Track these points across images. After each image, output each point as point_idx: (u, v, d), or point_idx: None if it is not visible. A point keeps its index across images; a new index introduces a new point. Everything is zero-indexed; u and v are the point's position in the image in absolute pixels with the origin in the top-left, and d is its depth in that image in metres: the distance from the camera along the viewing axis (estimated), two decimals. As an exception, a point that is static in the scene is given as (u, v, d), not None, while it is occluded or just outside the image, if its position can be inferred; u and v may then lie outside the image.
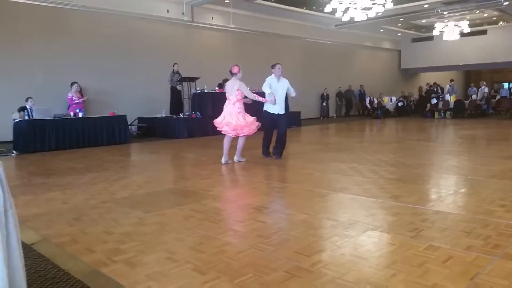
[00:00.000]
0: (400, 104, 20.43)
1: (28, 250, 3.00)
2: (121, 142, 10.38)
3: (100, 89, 12.22)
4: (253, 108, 7.38)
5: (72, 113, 10.12)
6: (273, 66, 7.20)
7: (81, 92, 11.14)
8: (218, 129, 6.99)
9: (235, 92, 6.73)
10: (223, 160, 6.94)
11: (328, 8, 12.10)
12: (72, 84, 10.77)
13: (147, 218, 3.83)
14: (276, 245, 3.07)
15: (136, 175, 6.41)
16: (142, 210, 4.09)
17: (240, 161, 7.05)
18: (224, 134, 6.93)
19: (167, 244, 3.14)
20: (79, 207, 4.31)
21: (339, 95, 20.59)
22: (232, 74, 6.85)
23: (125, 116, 10.79)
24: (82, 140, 9.77)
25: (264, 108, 7.21)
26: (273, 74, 7.15)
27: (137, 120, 12.67)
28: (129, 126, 11.46)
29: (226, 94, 6.94)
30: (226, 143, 6.91)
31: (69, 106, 10.70)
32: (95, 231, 3.50)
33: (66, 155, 8.63)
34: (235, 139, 6.96)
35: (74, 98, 10.67)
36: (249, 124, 6.80)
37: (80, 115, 10.07)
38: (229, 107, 6.83)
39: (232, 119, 6.71)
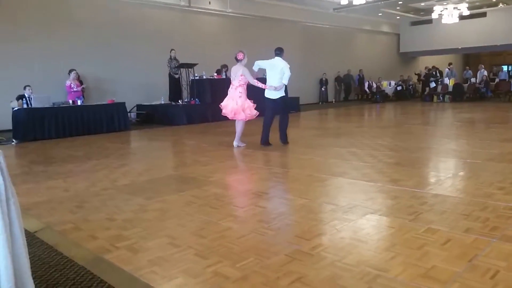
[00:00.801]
0: (399, 88, 20.37)
1: (31, 238, 3.03)
2: (120, 130, 10.37)
3: (98, 76, 12.17)
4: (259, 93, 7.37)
5: (71, 101, 10.08)
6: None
7: (79, 79, 11.09)
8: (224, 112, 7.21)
9: (238, 77, 6.95)
10: (234, 143, 7.20)
11: (326, -8, 11.98)
12: (70, 71, 10.72)
13: (148, 204, 3.86)
14: (277, 229, 3.11)
15: (137, 162, 6.44)
16: (144, 197, 4.12)
17: (239, 146, 7.14)
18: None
19: (168, 229, 3.17)
20: (81, 195, 4.34)
21: (338, 79, 20.51)
22: (237, 60, 7.01)
23: (124, 103, 10.76)
24: (82, 128, 9.76)
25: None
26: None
27: (136, 107, 12.64)
28: (128, 113, 11.44)
29: (231, 79, 7.16)
30: (237, 127, 7.16)
31: (68, 93, 10.66)
32: (97, 218, 3.53)
33: (66, 143, 8.64)
34: (248, 122, 7.18)
35: (72, 86, 10.63)
36: (245, 108, 6.96)
37: (79, 102, 10.05)
38: (231, 91, 7.08)
39: (236, 104, 6.94)
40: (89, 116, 9.90)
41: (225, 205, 3.83)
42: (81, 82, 11.08)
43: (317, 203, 3.80)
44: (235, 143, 7.17)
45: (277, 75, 6.91)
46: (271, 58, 7.13)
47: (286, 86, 7.19)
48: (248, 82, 7.00)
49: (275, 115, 7.14)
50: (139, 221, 3.41)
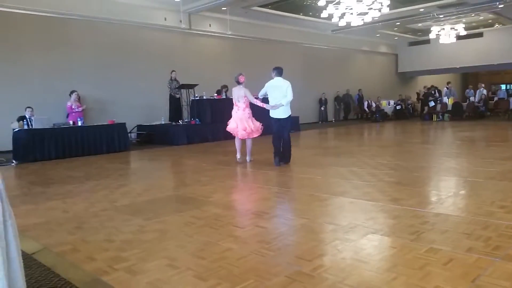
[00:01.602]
0: (398, 107, 20.47)
1: (28, 259, 3.00)
2: (120, 150, 10.38)
3: (99, 97, 12.25)
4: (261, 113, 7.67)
5: (71, 122, 10.13)
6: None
7: (80, 100, 11.16)
8: (233, 134, 7.55)
9: (242, 99, 7.29)
10: (238, 156, 7.63)
11: (324, 14, 12.15)
12: (71, 92, 10.80)
13: (147, 225, 3.83)
14: (277, 250, 3.07)
15: (136, 182, 6.42)
16: (143, 218, 4.09)
17: (251, 160, 7.60)
18: (233, 137, 7.66)
19: (167, 251, 3.13)
20: (80, 216, 4.31)
21: (337, 99, 20.66)
22: (238, 83, 7.34)
23: (124, 123, 10.80)
24: (82, 149, 9.77)
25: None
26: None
27: (136, 128, 12.69)
28: (129, 134, 11.47)
29: (234, 101, 7.45)
30: (237, 144, 7.61)
31: (68, 114, 10.71)
32: (96, 239, 3.50)
33: (65, 163, 8.63)
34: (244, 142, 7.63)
35: (73, 107, 10.69)
36: (257, 128, 7.47)
37: (80, 123, 10.08)
38: (239, 113, 7.39)
39: (248, 124, 7.32)
40: (89, 137, 9.93)
41: (225, 225, 3.80)
42: (81, 103, 11.14)
43: (318, 223, 3.77)
44: (248, 158, 7.55)
45: (280, 95, 6.92)
46: (270, 79, 7.16)
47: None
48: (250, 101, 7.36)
49: (286, 133, 7.10)
50: (138, 242, 3.37)
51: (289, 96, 6.88)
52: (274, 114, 7.05)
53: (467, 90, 20.11)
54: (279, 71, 7.05)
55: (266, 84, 7.18)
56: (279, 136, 7.07)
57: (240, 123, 7.31)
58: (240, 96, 7.27)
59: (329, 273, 2.60)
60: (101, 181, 6.40)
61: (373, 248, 3.09)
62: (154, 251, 3.15)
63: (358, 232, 3.40)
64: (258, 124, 7.45)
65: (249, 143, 7.50)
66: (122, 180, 6.60)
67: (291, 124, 7.41)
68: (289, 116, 7.09)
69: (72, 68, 11.77)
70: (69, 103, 10.72)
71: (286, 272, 2.64)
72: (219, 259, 2.90)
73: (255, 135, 7.47)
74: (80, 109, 10.85)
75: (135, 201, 4.91)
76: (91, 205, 4.77)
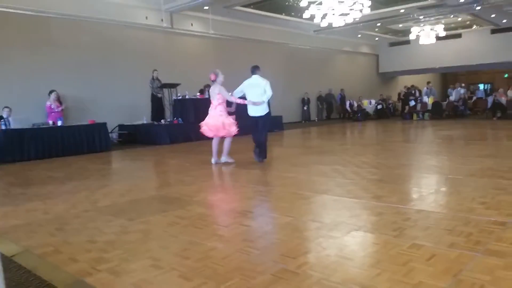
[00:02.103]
0: (379, 106, 20.73)
1: (8, 262, 2.93)
2: (101, 150, 10.25)
3: (79, 96, 12.05)
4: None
5: (51, 122, 9.94)
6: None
7: (59, 100, 10.96)
8: (201, 130, 7.33)
9: (216, 96, 7.07)
10: (212, 160, 7.32)
11: (306, 14, 12.22)
12: (51, 92, 10.61)
13: (130, 225, 3.79)
14: (262, 248, 3.07)
15: (118, 183, 6.33)
16: (125, 218, 4.03)
17: (228, 161, 7.27)
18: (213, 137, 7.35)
19: (151, 251, 3.10)
20: (61, 217, 4.23)
21: (320, 99, 20.81)
22: (212, 81, 7.21)
23: (105, 123, 10.66)
24: (62, 149, 9.61)
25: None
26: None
27: (117, 127, 12.53)
28: (110, 134, 11.32)
29: (210, 99, 7.27)
30: (214, 145, 7.32)
31: (48, 114, 10.51)
32: (78, 240, 3.44)
33: (45, 164, 8.47)
34: (221, 142, 7.31)
35: (52, 107, 10.50)
36: (227, 126, 7.05)
37: (59, 123, 9.91)
38: (212, 110, 7.18)
39: (213, 120, 7.07)
40: (69, 137, 9.77)
41: (209, 224, 3.78)
42: (60, 103, 10.95)
43: (302, 220, 3.78)
44: (223, 158, 7.26)
45: (259, 93, 6.97)
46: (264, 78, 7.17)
47: (269, 104, 7.25)
48: (227, 99, 7.14)
49: (263, 131, 7.15)
50: (121, 243, 3.33)
51: (269, 93, 6.96)
52: (251, 112, 7.11)
53: (449, 90, 20.43)
54: (255, 69, 7.13)
55: (244, 83, 7.19)
56: (257, 132, 7.15)
57: (211, 120, 7.12)
58: (214, 94, 7.11)
59: (314, 270, 2.61)
60: (82, 181, 6.30)
61: (357, 245, 3.11)
62: (137, 251, 3.11)
63: (342, 229, 3.43)
64: (229, 122, 7.07)
65: (226, 142, 7.26)
66: (103, 180, 6.51)
67: (269, 122, 7.33)
68: (266, 113, 7.11)
69: (51, 67, 11.55)
70: (48, 103, 10.52)
71: (271, 270, 2.64)
72: (204, 259, 2.88)
73: (223, 135, 7.12)
74: (60, 109, 10.67)
75: (118, 201, 4.84)
76: (73, 206, 4.69)
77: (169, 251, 3.10)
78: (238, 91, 7.25)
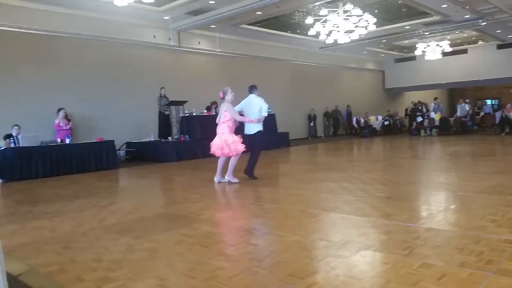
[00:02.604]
0: (386, 122, 20.69)
1: (14, 281, 2.91)
2: (109, 168, 10.28)
3: (87, 114, 12.17)
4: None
5: (59, 140, 10.02)
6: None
7: (68, 118, 11.06)
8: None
9: (223, 113, 7.08)
10: (215, 179, 7.22)
11: (312, 32, 12.33)
12: (59, 110, 10.71)
13: (136, 244, 3.76)
14: (269, 268, 3.03)
15: (125, 200, 6.33)
16: (132, 236, 4.01)
17: (231, 182, 7.07)
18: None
19: (157, 270, 3.07)
20: (68, 235, 4.22)
21: (326, 115, 20.81)
22: (221, 99, 7.28)
23: (113, 141, 10.72)
24: (70, 167, 9.65)
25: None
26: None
27: (125, 145, 12.59)
28: (117, 151, 11.37)
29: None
30: (219, 163, 7.19)
31: (56, 132, 10.60)
32: (84, 259, 3.42)
33: (53, 182, 8.50)
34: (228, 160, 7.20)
35: (61, 125, 10.60)
36: (230, 144, 6.93)
37: (68, 141, 9.98)
38: (218, 129, 7.16)
39: (220, 141, 6.99)
40: (77, 155, 9.82)
41: (216, 243, 3.75)
42: (69, 121, 11.05)
43: (310, 239, 3.74)
44: (226, 178, 7.13)
45: (255, 111, 7.17)
46: (259, 96, 7.36)
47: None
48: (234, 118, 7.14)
49: (255, 148, 7.30)
50: (127, 261, 3.31)
51: (264, 107, 7.16)
52: (246, 130, 7.30)
53: (458, 105, 20.27)
54: (251, 89, 7.37)
55: (240, 104, 7.41)
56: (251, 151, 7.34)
57: (216, 140, 7.07)
58: (222, 111, 7.11)
59: (322, 291, 2.56)
60: (90, 199, 6.30)
61: (366, 264, 3.06)
62: (143, 270, 3.08)
63: (350, 248, 3.38)
64: (232, 140, 6.93)
65: (231, 161, 7.05)
66: (110, 198, 6.51)
67: (261, 140, 7.38)
68: (258, 132, 7.20)
69: (60, 85, 11.70)
70: (56, 121, 10.62)
71: (279, 290, 2.60)
72: (210, 278, 2.85)
73: (226, 153, 6.94)
74: (68, 126, 10.76)
75: (124, 219, 4.83)
76: (79, 224, 4.68)
77: (175, 270, 3.07)
78: (236, 110, 7.30)
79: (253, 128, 7.20)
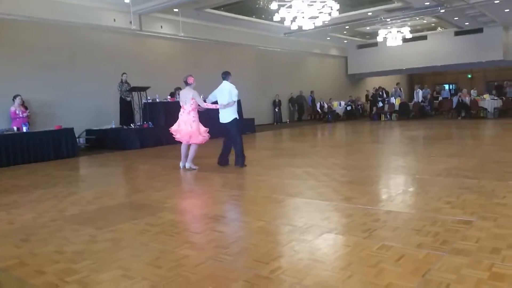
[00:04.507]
0: (348, 108, 21.09)
1: (-30, 277, 2.81)
2: (69, 156, 9.97)
3: (45, 101, 11.71)
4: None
5: (15, 128, 9.61)
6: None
7: (24, 105, 10.61)
8: (174, 137, 7.25)
9: (189, 101, 7.00)
10: (181, 164, 7.27)
11: (276, 17, 12.31)
12: (15, 97, 10.24)
13: (99, 234, 3.70)
14: (235, 254, 3.06)
15: (86, 190, 6.18)
16: (94, 227, 3.94)
17: (192, 169, 7.13)
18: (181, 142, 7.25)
19: (122, 261, 3.04)
20: (27, 227, 4.09)
21: (291, 100, 20.98)
22: (187, 84, 7.08)
23: (72, 128, 10.37)
24: (28, 156, 9.29)
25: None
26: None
27: (85, 132, 12.23)
28: (77, 139, 11.04)
29: (181, 103, 7.17)
30: (183, 149, 7.22)
31: (12, 120, 10.16)
32: (45, 251, 3.34)
33: (10, 172, 8.18)
34: (201, 145, 7.28)
35: (17, 112, 10.16)
36: (202, 132, 7.10)
37: (25, 129, 9.58)
38: (184, 115, 7.08)
39: (191, 128, 6.99)
40: (35, 143, 9.45)
41: (181, 231, 3.74)
42: (26, 108, 10.61)
43: (275, 224, 3.80)
44: (187, 165, 7.15)
45: (225, 98, 7.01)
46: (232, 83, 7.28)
47: (240, 108, 7.30)
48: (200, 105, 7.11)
49: (232, 137, 7.17)
50: (90, 253, 3.25)
51: (234, 93, 6.99)
52: (220, 118, 7.15)
53: (423, 90, 20.82)
54: (224, 75, 7.18)
55: (214, 91, 7.25)
56: (227, 138, 7.27)
57: (184, 126, 7.02)
58: (187, 98, 7.00)
59: (286, 275, 2.62)
60: (49, 189, 6.11)
61: (329, 248, 3.15)
62: (107, 261, 3.04)
63: (313, 232, 3.46)
64: (203, 129, 7.13)
65: (192, 148, 7.12)
66: (71, 188, 6.34)
67: (237, 127, 7.16)
68: (233, 119, 7.04)
69: (16, 71, 11.17)
70: (12, 108, 10.16)
71: (245, 276, 2.64)
72: (176, 267, 2.85)
73: (198, 141, 7.06)
74: (25, 114, 10.32)
75: (86, 209, 4.73)
76: (39, 215, 4.54)
77: (140, 260, 3.05)
78: (211, 97, 7.29)
79: (228, 116, 7.03)
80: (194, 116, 7.03)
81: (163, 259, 3.01)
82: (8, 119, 10.28)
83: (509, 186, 4.80)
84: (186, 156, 7.21)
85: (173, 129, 7.20)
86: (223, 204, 4.82)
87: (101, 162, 9.37)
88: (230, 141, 7.24)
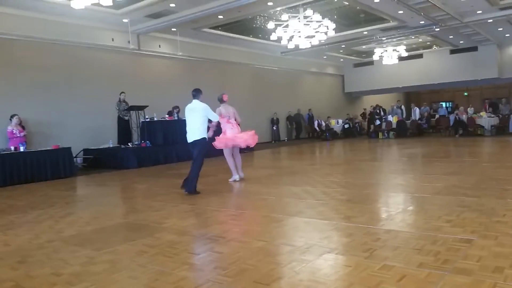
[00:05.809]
0: (346, 126, 21.17)
1: (-36, 300, 2.76)
2: (66, 176, 9.93)
3: (42, 120, 11.71)
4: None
5: (12, 148, 9.58)
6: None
7: (21, 124, 10.60)
8: (235, 145, 7.70)
9: (233, 115, 7.67)
10: (236, 177, 7.66)
11: (273, 36, 12.45)
12: (12, 116, 10.25)
13: (97, 256, 3.65)
14: (234, 276, 3.02)
15: (84, 210, 6.13)
16: (92, 248, 3.89)
17: (240, 178, 7.72)
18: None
19: (119, 283, 2.99)
20: (23, 248, 4.04)
21: (289, 118, 21.06)
22: (222, 101, 7.63)
23: (69, 148, 10.36)
24: (25, 176, 9.25)
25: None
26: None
27: (82, 152, 12.20)
28: (74, 158, 11.00)
29: (225, 118, 7.57)
30: (230, 163, 7.68)
31: (9, 140, 10.13)
32: (42, 273, 3.29)
33: (7, 192, 8.12)
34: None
35: (14, 132, 10.14)
36: (252, 134, 7.88)
37: (22, 149, 9.55)
38: (235, 129, 7.65)
39: (242, 135, 7.70)
40: (32, 163, 9.42)
41: (179, 252, 3.69)
42: (23, 127, 10.60)
43: (275, 244, 3.76)
44: (241, 174, 7.74)
45: (198, 118, 6.52)
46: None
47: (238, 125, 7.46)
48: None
49: (195, 157, 6.58)
50: (88, 274, 3.20)
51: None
52: (188, 138, 6.63)
53: (422, 108, 20.85)
54: (195, 93, 6.67)
55: (186, 108, 6.75)
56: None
57: (240, 135, 7.67)
58: (231, 114, 7.60)
59: (287, 297, 2.58)
60: (46, 210, 6.06)
61: (329, 268, 3.12)
62: (105, 283, 3.00)
63: (314, 252, 3.42)
64: (250, 132, 7.87)
65: (239, 157, 7.82)
66: (68, 208, 6.29)
67: (205, 148, 6.60)
68: (202, 138, 6.51)
69: (13, 90, 11.20)
70: (10, 128, 10.16)
71: (244, 298, 2.60)
72: (175, 289, 2.80)
73: (255, 141, 8.00)
74: (22, 133, 10.31)
75: (83, 230, 4.68)
76: (36, 236, 4.49)
77: (137, 282, 3.00)
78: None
79: (197, 134, 6.49)
80: (237, 126, 7.72)
81: (161, 281, 2.96)
82: (5, 138, 10.27)
83: (509, 204, 4.78)
84: (236, 167, 7.66)
85: (238, 137, 7.64)
86: (222, 224, 4.78)
87: (98, 182, 9.32)
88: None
